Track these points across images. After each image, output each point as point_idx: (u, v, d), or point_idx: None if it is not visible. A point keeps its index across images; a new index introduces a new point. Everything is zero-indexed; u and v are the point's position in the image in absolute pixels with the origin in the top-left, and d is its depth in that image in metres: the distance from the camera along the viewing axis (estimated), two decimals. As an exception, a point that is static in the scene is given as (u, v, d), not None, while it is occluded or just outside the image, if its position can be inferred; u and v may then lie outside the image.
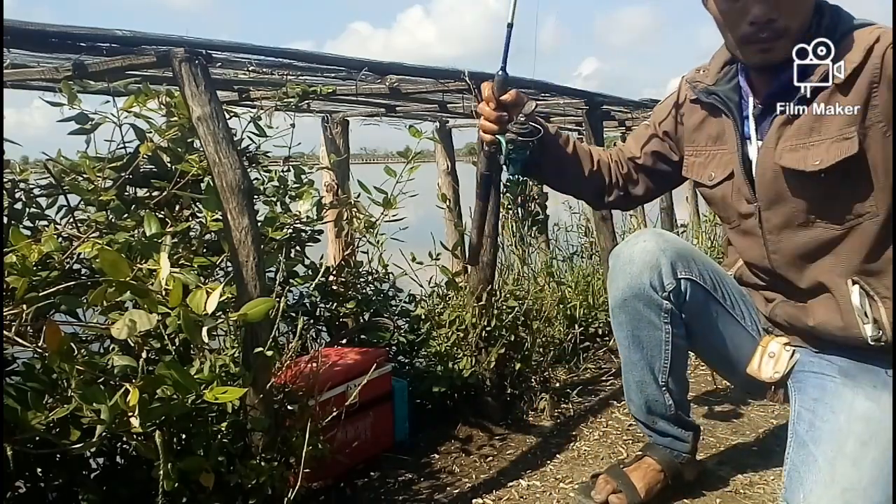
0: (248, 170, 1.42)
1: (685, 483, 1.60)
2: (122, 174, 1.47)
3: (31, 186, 1.44)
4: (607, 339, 2.77)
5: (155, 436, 1.09)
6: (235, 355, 1.40)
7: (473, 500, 1.59)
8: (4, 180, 1.36)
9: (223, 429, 1.31)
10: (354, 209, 2.20)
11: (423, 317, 2.12)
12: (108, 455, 1.29)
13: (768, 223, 1.33)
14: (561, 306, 2.57)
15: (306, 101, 1.94)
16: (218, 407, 1.29)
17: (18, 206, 1.39)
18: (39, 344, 0.99)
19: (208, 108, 1.29)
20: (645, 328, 1.45)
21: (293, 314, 1.86)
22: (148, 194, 1.56)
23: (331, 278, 2.12)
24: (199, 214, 1.58)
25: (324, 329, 2.09)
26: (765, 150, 1.29)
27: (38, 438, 1.05)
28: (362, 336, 2.09)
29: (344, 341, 2.06)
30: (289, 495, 1.30)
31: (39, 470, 1.18)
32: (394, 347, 2.13)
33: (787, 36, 1.20)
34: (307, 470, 1.30)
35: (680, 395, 1.55)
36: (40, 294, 1.07)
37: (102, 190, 1.43)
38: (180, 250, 1.47)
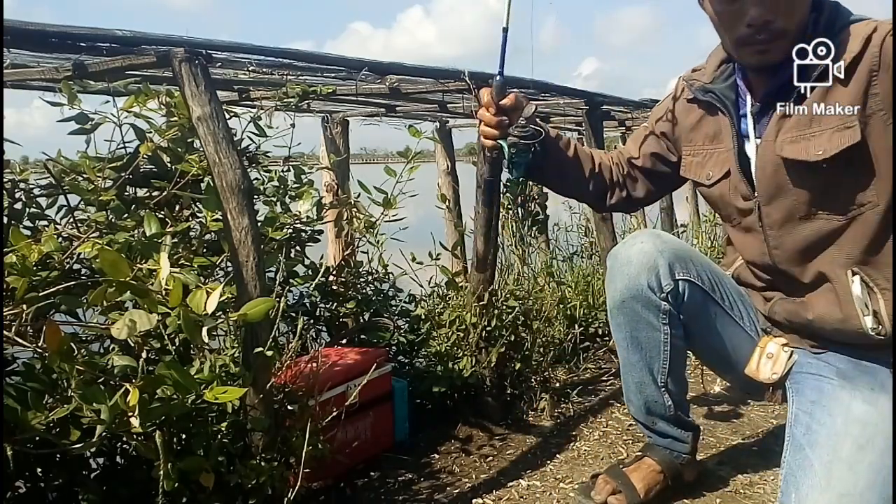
0: (248, 170, 1.42)
1: (685, 483, 1.60)
2: (122, 174, 1.47)
3: (31, 186, 1.44)
4: (607, 339, 2.77)
5: (155, 436, 1.09)
6: (235, 355, 1.40)
7: (473, 500, 1.59)
8: (4, 180, 1.36)
9: (223, 429, 1.31)
10: (354, 209, 2.21)
11: (423, 317, 2.12)
12: (108, 455, 1.29)
13: (769, 218, 1.32)
14: (561, 306, 2.56)
15: (306, 101, 1.94)
16: (218, 407, 1.29)
17: (18, 206, 1.39)
18: (39, 344, 0.99)
19: (208, 108, 1.29)
20: (643, 329, 1.45)
21: (293, 314, 1.86)
22: (148, 194, 1.56)
23: (331, 278, 2.12)
24: (199, 214, 1.58)
25: (324, 329, 2.09)
26: (764, 144, 1.29)
27: (38, 438, 1.05)
28: (362, 336, 2.09)
29: (344, 341, 2.05)
30: (289, 495, 1.30)
31: (39, 470, 1.18)
32: (394, 347, 2.13)
33: (785, 37, 1.20)
34: (307, 470, 1.30)
35: (679, 395, 1.55)
36: (40, 294, 1.07)
37: (102, 190, 1.43)
38: (180, 250, 1.47)
